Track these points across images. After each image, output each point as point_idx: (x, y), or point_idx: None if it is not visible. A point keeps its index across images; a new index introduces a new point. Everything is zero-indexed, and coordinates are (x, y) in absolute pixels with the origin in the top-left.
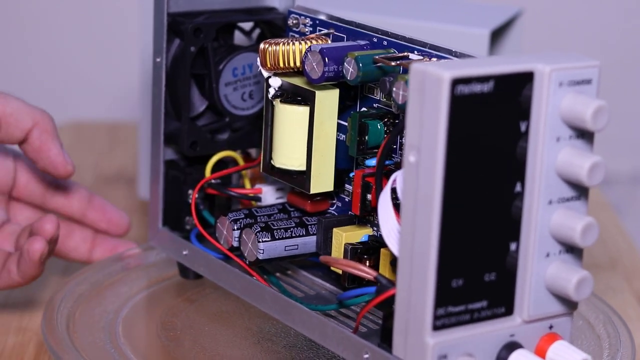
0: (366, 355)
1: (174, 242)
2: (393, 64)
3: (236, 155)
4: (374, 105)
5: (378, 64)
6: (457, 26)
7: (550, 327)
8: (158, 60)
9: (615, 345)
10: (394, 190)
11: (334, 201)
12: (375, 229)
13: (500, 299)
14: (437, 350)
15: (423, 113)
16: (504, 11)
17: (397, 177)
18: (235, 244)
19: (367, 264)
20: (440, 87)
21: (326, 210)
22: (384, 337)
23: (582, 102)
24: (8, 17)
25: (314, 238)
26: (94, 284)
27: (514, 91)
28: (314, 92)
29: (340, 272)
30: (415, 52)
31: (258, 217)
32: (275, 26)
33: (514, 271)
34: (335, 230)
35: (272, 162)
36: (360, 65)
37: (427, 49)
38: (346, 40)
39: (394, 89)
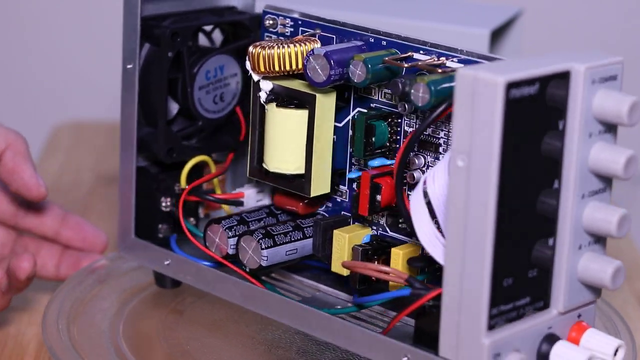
0: (405, 358)
1: (152, 252)
2: (406, 65)
3: (209, 159)
4: (371, 105)
5: (386, 66)
6: (457, 26)
7: (579, 316)
8: (130, 66)
9: None
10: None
11: (327, 202)
12: (374, 228)
13: (539, 293)
14: (492, 350)
15: (474, 118)
16: (504, 11)
17: (428, 179)
18: (231, 251)
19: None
20: (495, 91)
21: (316, 211)
22: (419, 338)
23: (617, 99)
24: (8, 17)
25: (310, 241)
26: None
27: (555, 91)
28: (315, 96)
29: (344, 274)
30: (421, 51)
31: (250, 223)
32: (242, 27)
33: (551, 265)
34: (335, 232)
35: (264, 166)
36: (369, 67)
37: (427, 47)
38: (336, 41)
39: (413, 91)
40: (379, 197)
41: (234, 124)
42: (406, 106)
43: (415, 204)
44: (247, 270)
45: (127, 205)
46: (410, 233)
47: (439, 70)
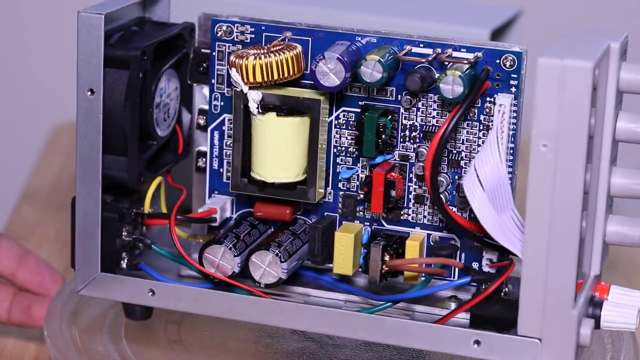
0: (476, 345)
1: (129, 285)
2: (423, 60)
3: (161, 179)
4: (360, 102)
5: (390, 62)
6: (457, 26)
7: (596, 276)
8: (91, 95)
9: (618, 346)
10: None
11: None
12: (367, 224)
13: (582, 261)
14: (578, 320)
15: (562, 103)
16: (504, 11)
17: (479, 167)
18: (237, 270)
19: (388, 257)
20: (584, 76)
21: (296, 217)
22: (475, 324)
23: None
24: (8, 17)
25: (305, 247)
26: None
27: (603, 70)
28: (319, 100)
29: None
30: (421, 44)
31: (245, 238)
32: (180, 38)
33: (590, 233)
34: (337, 233)
35: (258, 178)
36: (385, 65)
37: (418, 40)
38: (312, 44)
39: (442, 85)
40: (393, 193)
41: (170, 139)
42: (411, 101)
43: (477, 196)
44: (263, 285)
45: (88, 241)
46: (413, 224)
47: (464, 62)
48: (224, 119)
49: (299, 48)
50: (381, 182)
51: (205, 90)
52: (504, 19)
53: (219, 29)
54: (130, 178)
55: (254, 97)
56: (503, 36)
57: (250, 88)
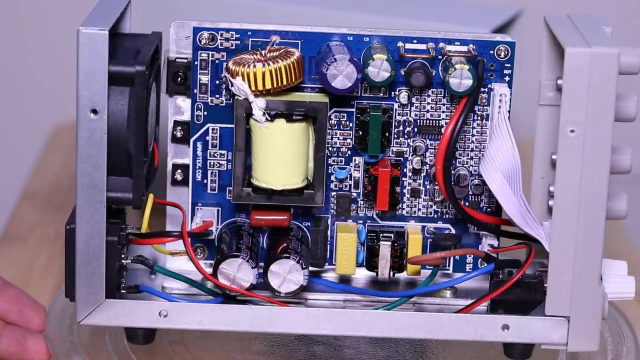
0: (505, 330)
1: (137, 309)
2: (428, 56)
3: (153, 195)
4: (352, 102)
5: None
6: (457, 26)
7: None
8: (94, 115)
9: (619, 346)
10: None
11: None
12: (360, 222)
13: None
14: (603, 295)
15: (590, 88)
16: (504, 11)
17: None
18: (254, 281)
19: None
20: (611, 62)
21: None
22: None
23: (633, 53)
24: (8, 17)
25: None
26: None
27: None
28: (327, 103)
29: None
30: (415, 41)
31: (254, 249)
32: (156, 50)
33: None
34: (340, 234)
35: (266, 186)
36: (393, 64)
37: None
38: (302, 46)
39: (452, 79)
40: (398, 189)
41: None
42: (409, 96)
43: (497, 182)
44: (283, 294)
45: (92, 268)
46: (407, 217)
47: (469, 55)
48: (207, 129)
49: (295, 53)
50: (387, 179)
51: (181, 101)
52: (503, 19)
53: (201, 37)
54: (135, 199)
55: (260, 105)
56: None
57: (255, 96)
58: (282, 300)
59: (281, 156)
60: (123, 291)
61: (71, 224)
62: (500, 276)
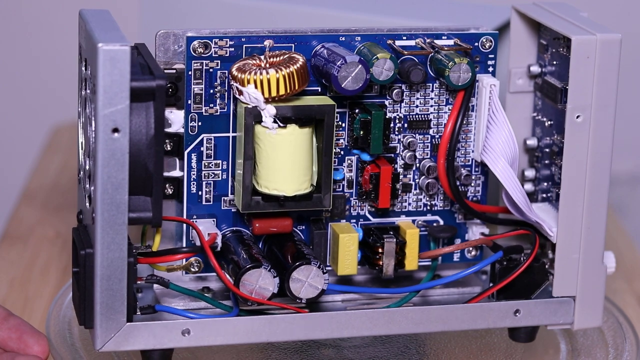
0: (517, 314)
1: (159, 330)
2: (429, 52)
3: None
4: (345, 102)
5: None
6: (457, 26)
7: None
8: (116, 134)
9: (620, 346)
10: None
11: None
12: (353, 221)
13: None
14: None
15: (596, 74)
16: (504, 11)
17: (499, 146)
18: (276, 291)
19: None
20: (614, 48)
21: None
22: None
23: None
24: (8, 17)
25: None
26: None
27: None
28: (334, 105)
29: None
30: (404, 37)
31: (263, 257)
32: None
33: None
34: (342, 235)
35: (277, 194)
36: (397, 62)
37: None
38: (296, 49)
39: (452, 73)
40: (398, 185)
41: None
42: (402, 93)
43: (500, 168)
44: (304, 301)
45: (113, 292)
46: (398, 212)
47: (467, 48)
48: (202, 140)
49: (298, 56)
50: (389, 176)
51: (169, 113)
52: (504, 19)
53: (198, 47)
54: (155, 218)
55: (271, 112)
56: (503, 36)
57: (265, 102)
58: (299, 306)
59: (293, 162)
60: (138, 313)
61: (86, 248)
62: (505, 262)
